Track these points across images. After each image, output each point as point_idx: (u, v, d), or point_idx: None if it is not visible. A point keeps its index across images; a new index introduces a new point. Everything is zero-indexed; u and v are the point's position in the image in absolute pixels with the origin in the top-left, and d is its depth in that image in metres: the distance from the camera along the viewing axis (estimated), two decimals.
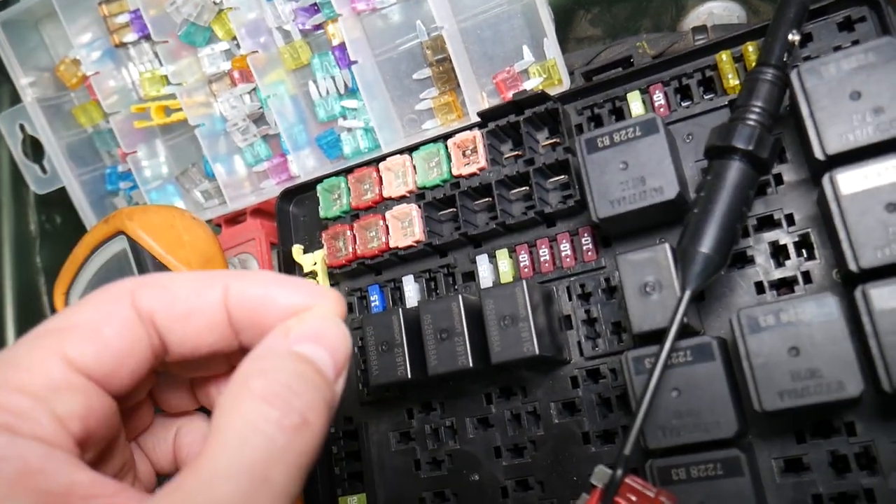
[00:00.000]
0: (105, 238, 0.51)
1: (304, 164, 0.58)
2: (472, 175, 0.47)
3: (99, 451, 0.26)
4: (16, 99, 0.66)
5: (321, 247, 0.53)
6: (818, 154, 0.36)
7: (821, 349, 0.34)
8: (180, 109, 0.59)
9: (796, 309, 0.35)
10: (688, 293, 0.36)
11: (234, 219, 0.60)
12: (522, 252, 0.47)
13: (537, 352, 0.40)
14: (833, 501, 0.37)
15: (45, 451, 0.23)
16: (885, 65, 0.35)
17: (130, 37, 0.59)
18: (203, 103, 0.59)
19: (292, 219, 0.55)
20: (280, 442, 0.23)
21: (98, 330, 0.25)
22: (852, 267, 0.35)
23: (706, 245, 0.36)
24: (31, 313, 0.63)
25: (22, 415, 0.23)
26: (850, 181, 0.35)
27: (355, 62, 0.53)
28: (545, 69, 0.52)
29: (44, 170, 0.63)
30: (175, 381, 0.31)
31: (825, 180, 0.36)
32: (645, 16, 0.56)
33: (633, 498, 0.34)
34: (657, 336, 0.37)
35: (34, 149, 0.63)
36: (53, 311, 0.64)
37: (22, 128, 0.62)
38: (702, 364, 0.37)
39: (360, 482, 0.50)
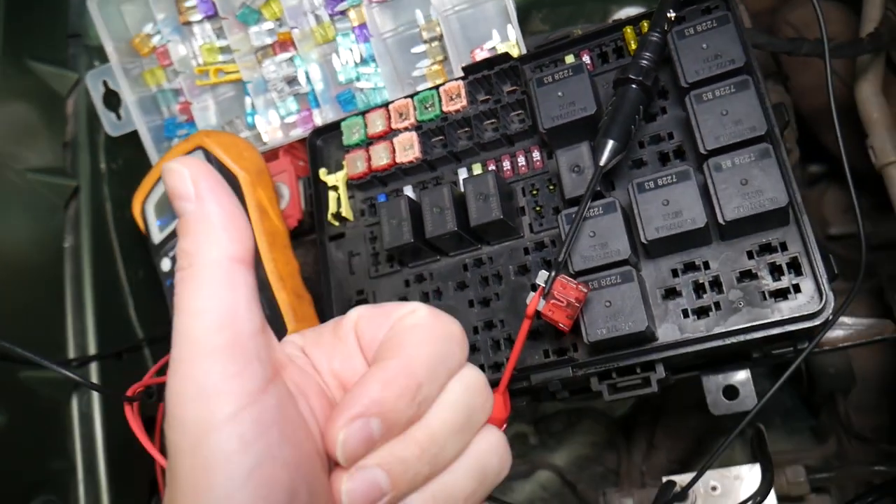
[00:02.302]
0: (185, 152, 0.68)
1: (326, 116, 0.77)
2: (457, 111, 0.67)
3: None
4: (90, 64, 0.84)
5: (341, 169, 0.72)
6: (682, 83, 0.57)
7: (681, 200, 0.54)
8: (230, 73, 0.78)
9: (667, 177, 0.55)
10: (599, 167, 0.56)
11: (269, 158, 0.79)
12: (491, 165, 0.66)
13: (501, 216, 0.60)
14: (694, 312, 0.57)
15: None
16: (720, 27, 0.56)
17: (196, 17, 0.78)
18: (250, 68, 0.77)
19: (318, 150, 0.74)
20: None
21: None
22: (701, 149, 0.55)
23: (611, 135, 0.56)
24: (100, 234, 0.80)
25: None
26: (700, 97, 0.56)
27: (372, 36, 0.73)
28: (508, 47, 0.72)
29: (119, 117, 0.80)
30: None
31: (687, 99, 0.56)
32: (581, 15, 0.77)
33: (562, 288, 0.53)
34: (580, 201, 0.57)
35: (106, 102, 0.81)
36: (121, 225, 0.81)
37: (105, 83, 0.80)
38: (609, 215, 0.56)
39: None
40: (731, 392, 0.61)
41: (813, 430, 1.01)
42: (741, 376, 0.61)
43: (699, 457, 0.92)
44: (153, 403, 0.63)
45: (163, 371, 0.63)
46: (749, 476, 0.70)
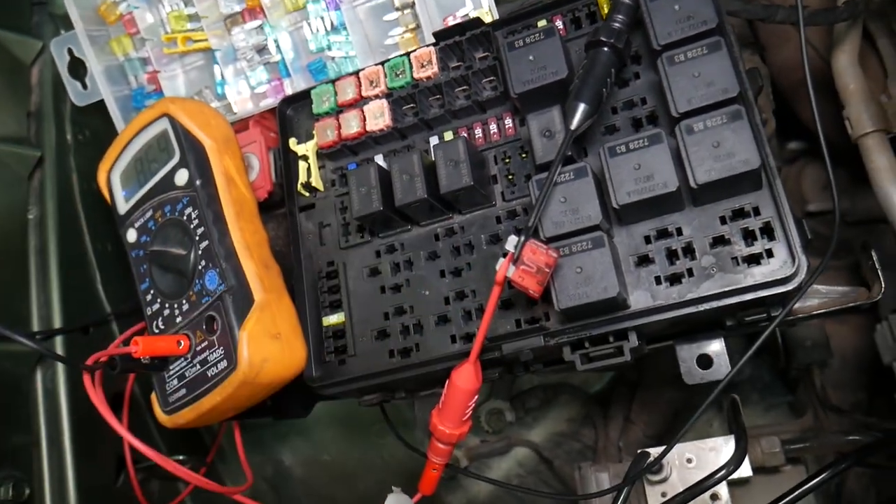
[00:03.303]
0: (151, 120, 0.67)
1: (297, 86, 0.75)
2: (428, 78, 0.66)
3: None
4: (55, 32, 0.82)
5: (311, 138, 0.70)
6: (655, 45, 0.56)
7: (653, 164, 0.53)
8: (199, 41, 0.76)
9: (639, 140, 0.54)
10: (570, 131, 0.54)
11: (240, 129, 0.77)
12: (463, 132, 0.65)
13: (472, 183, 0.59)
14: (667, 279, 0.56)
15: None
16: None
17: None
18: (219, 36, 0.76)
19: (288, 119, 0.72)
20: None
21: None
22: (673, 112, 0.54)
23: (582, 99, 0.55)
24: (66, 205, 0.78)
25: None
26: (672, 59, 0.55)
27: (344, 3, 0.71)
28: (481, 14, 0.71)
29: (84, 86, 0.78)
30: None
31: (659, 61, 0.55)
32: None
33: (532, 254, 0.52)
34: (551, 166, 0.56)
35: (72, 71, 0.79)
36: (88, 197, 0.79)
37: (70, 51, 0.78)
38: (580, 180, 0.55)
39: (339, 307, 0.67)
40: (705, 361, 0.61)
41: (790, 405, 1.01)
42: (715, 346, 0.61)
43: (676, 432, 0.91)
44: (118, 376, 0.61)
45: (128, 342, 0.62)
46: (724, 448, 0.70)
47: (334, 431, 0.95)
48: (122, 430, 0.58)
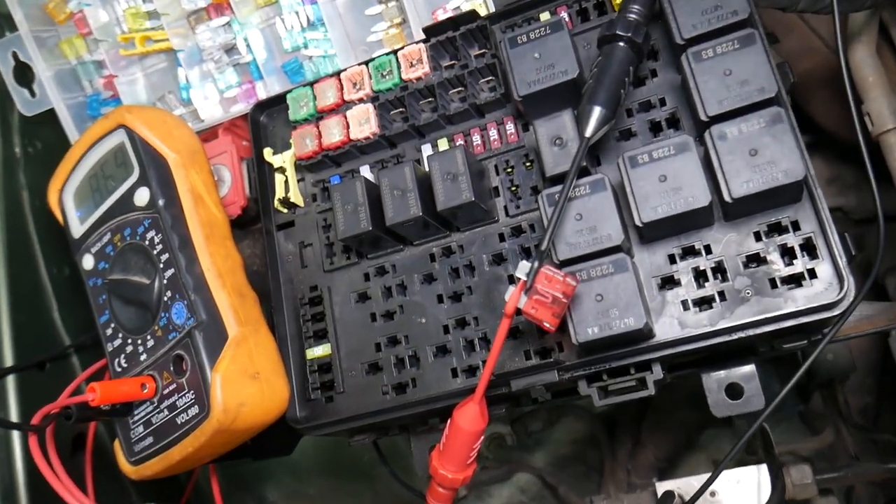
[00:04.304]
0: (105, 132, 0.59)
1: (271, 90, 0.68)
2: (418, 79, 0.59)
3: None
4: (1, 33, 0.74)
5: (288, 148, 0.63)
6: (678, 39, 0.49)
7: (681, 175, 0.47)
8: (160, 41, 0.69)
9: (664, 148, 0.48)
10: (585, 139, 0.48)
11: (208, 138, 0.69)
12: (459, 140, 0.58)
13: (473, 198, 0.52)
14: (695, 304, 0.50)
15: None
16: None
17: None
18: (182, 35, 0.68)
19: (262, 127, 0.65)
20: None
21: None
22: (702, 115, 0.48)
23: (598, 102, 0.48)
24: (16, 227, 0.70)
25: None
26: (699, 55, 0.48)
27: None
28: (475, 6, 0.64)
29: (32, 94, 0.70)
30: None
31: (683, 58, 0.49)
32: None
33: (547, 281, 0.45)
34: (564, 179, 0.49)
35: (18, 77, 0.71)
36: (41, 216, 0.71)
37: (15, 55, 0.69)
38: (597, 194, 0.49)
39: (325, 338, 0.59)
40: (734, 391, 0.54)
41: (802, 415, 0.95)
42: (745, 372, 0.54)
43: (688, 453, 0.85)
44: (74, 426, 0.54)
45: (83, 387, 0.55)
46: (749, 479, 0.64)
47: (321, 463, 0.88)
48: (74, 496, 0.50)
